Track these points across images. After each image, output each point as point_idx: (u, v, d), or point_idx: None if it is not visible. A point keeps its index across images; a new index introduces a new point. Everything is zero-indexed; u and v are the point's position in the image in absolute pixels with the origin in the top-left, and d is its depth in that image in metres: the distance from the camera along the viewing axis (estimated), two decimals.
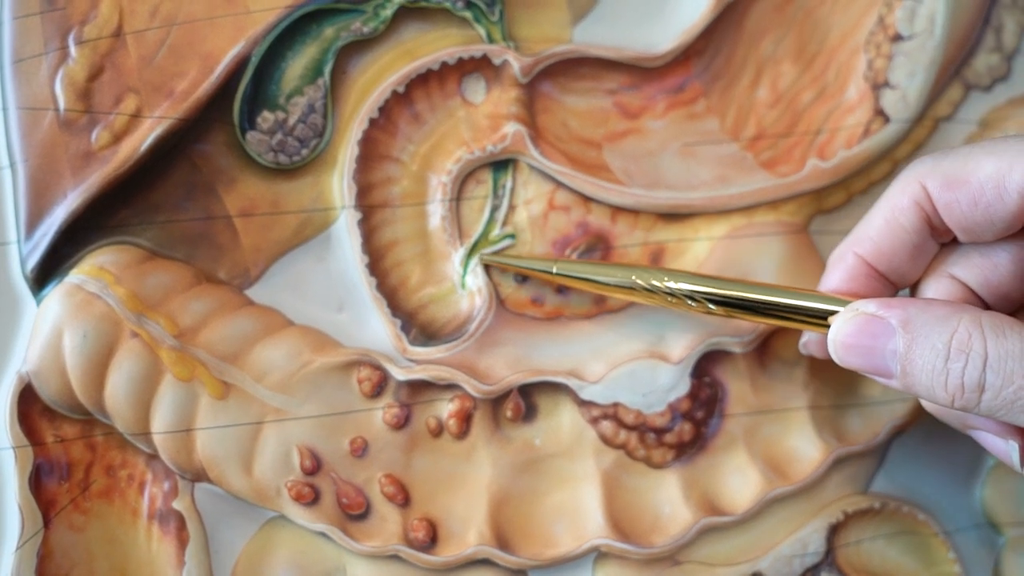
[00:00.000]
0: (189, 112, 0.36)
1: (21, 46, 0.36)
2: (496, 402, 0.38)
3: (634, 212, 0.39)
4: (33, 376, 0.36)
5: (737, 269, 0.39)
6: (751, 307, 0.35)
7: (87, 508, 0.36)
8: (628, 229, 0.39)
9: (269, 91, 0.37)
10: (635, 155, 0.40)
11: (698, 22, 0.39)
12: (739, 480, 0.39)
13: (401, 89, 0.38)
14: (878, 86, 0.40)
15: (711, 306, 0.35)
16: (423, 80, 0.38)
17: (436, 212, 0.38)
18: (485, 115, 0.38)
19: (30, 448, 0.36)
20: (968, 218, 0.33)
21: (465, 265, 0.38)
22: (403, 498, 0.37)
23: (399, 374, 0.37)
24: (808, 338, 0.38)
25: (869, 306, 0.32)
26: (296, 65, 0.37)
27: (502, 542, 0.37)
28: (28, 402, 0.36)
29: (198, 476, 0.36)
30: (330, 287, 0.38)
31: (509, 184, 0.39)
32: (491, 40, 0.38)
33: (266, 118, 0.37)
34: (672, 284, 0.36)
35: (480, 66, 0.38)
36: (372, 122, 0.38)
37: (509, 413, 0.38)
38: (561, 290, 0.39)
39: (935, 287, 0.35)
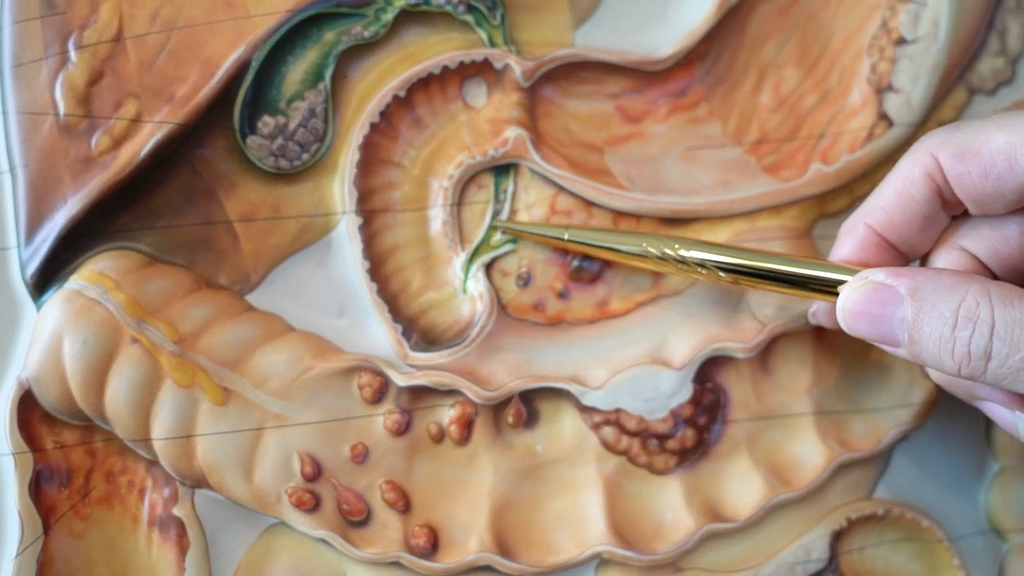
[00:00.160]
0: (189, 117, 0.36)
1: (21, 50, 0.36)
2: (497, 408, 0.38)
3: (636, 217, 0.39)
4: (33, 382, 0.35)
5: None
6: (761, 275, 0.35)
7: (87, 514, 0.36)
8: None
9: (270, 96, 0.37)
10: (637, 159, 0.39)
11: (700, 26, 0.39)
12: (742, 486, 0.39)
13: (402, 93, 0.38)
14: (882, 90, 0.39)
15: (721, 274, 0.36)
16: (424, 84, 0.38)
17: (437, 217, 0.38)
18: (486, 119, 0.38)
19: (30, 454, 0.36)
20: (979, 190, 0.33)
21: (466, 270, 0.38)
22: (404, 504, 0.37)
23: (400, 380, 0.37)
24: (817, 307, 0.38)
25: (878, 275, 0.32)
26: (297, 70, 0.37)
27: (503, 549, 0.37)
28: (28, 408, 0.36)
29: (198, 482, 0.36)
30: (331, 292, 0.38)
31: (511, 189, 0.39)
32: (493, 44, 0.38)
33: (267, 123, 0.37)
34: (684, 252, 0.36)
35: (482, 70, 0.38)
36: (373, 127, 0.38)
37: (510, 419, 0.38)
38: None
39: (945, 258, 0.35)
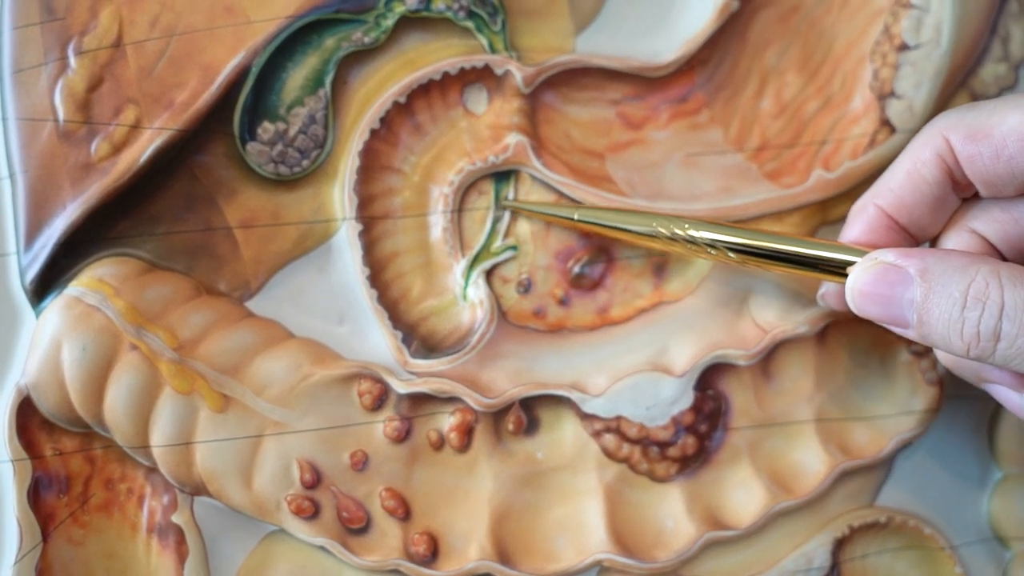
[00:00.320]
0: (189, 123, 0.36)
1: (21, 56, 0.36)
2: (498, 415, 0.38)
3: None
4: (32, 389, 0.35)
5: (741, 281, 0.39)
6: (770, 256, 0.35)
7: (86, 522, 0.36)
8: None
9: (269, 102, 0.37)
10: (638, 166, 0.39)
11: (702, 32, 0.39)
12: (743, 494, 0.39)
13: (403, 99, 0.38)
14: (884, 96, 0.39)
15: (731, 254, 0.35)
16: (425, 90, 0.38)
17: (437, 223, 0.38)
18: (487, 126, 0.38)
19: (29, 461, 0.35)
20: (990, 171, 0.33)
21: (467, 277, 0.38)
22: (404, 512, 0.37)
23: (400, 387, 0.37)
24: (826, 289, 0.38)
25: (888, 255, 0.32)
26: (297, 76, 0.37)
27: (503, 557, 0.37)
28: (27, 415, 0.36)
29: (197, 490, 0.36)
30: (331, 299, 0.38)
31: (511, 195, 0.38)
32: (493, 50, 0.38)
33: (266, 129, 0.37)
34: (693, 232, 0.36)
35: (482, 76, 0.38)
36: (373, 133, 0.38)
37: (511, 426, 0.38)
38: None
39: (955, 240, 0.35)
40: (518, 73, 0.38)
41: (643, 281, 0.39)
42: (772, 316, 0.39)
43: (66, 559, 0.36)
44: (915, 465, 0.41)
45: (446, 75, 0.38)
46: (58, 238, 0.36)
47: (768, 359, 0.39)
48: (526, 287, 0.38)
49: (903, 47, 0.39)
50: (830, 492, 0.39)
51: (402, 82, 0.38)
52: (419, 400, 0.37)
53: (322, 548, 0.37)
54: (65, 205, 0.36)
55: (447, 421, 0.38)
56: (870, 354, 0.40)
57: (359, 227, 0.37)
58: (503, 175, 0.38)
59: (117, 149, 0.36)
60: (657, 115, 0.40)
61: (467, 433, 0.38)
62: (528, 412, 0.38)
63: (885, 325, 0.33)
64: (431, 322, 0.38)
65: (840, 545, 0.39)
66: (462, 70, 0.38)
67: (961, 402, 0.40)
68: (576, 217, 0.37)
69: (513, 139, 0.38)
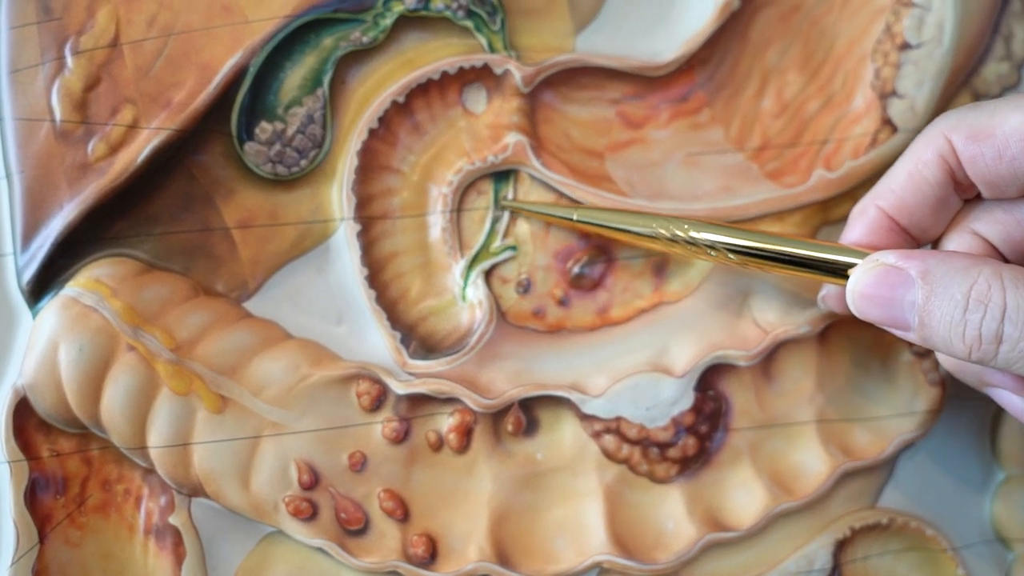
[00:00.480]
0: (186, 123, 0.36)
1: (17, 56, 0.36)
2: (497, 416, 0.38)
3: None
4: (28, 390, 0.35)
5: (742, 281, 0.39)
6: (771, 257, 0.35)
7: (83, 523, 0.36)
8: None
9: (267, 101, 0.37)
10: (638, 165, 0.39)
11: (702, 31, 0.39)
12: (744, 495, 0.38)
13: (401, 99, 0.37)
14: (886, 95, 0.39)
15: (731, 256, 0.35)
16: (423, 90, 0.38)
17: (436, 223, 0.38)
18: (486, 125, 0.38)
19: (25, 462, 0.35)
20: (992, 172, 0.33)
21: (466, 277, 0.38)
22: (402, 513, 0.37)
23: (398, 388, 0.37)
24: (827, 291, 0.37)
25: (889, 257, 0.32)
26: (295, 75, 0.37)
27: (503, 558, 0.37)
28: (23, 416, 0.36)
29: (195, 491, 0.36)
30: (329, 300, 0.38)
31: (510, 195, 0.38)
32: (492, 49, 0.38)
33: (264, 129, 0.37)
34: (694, 233, 0.36)
35: (481, 76, 0.38)
36: (372, 132, 0.37)
37: (510, 427, 0.38)
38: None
39: (957, 242, 0.35)
40: (517, 72, 0.38)
41: (643, 281, 0.39)
42: (773, 316, 0.39)
43: (63, 560, 0.36)
44: (917, 466, 0.40)
45: (445, 74, 0.38)
46: (55, 238, 0.36)
47: (769, 360, 0.39)
48: (525, 287, 0.38)
49: (905, 46, 0.39)
50: (831, 493, 0.39)
51: (401, 81, 0.37)
52: (418, 401, 0.37)
53: (320, 550, 0.36)
54: (62, 205, 0.36)
55: (446, 422, 0.37)
56: (872, 355, 0.40)
57: (357, 227, 0.37)
58: (502, 175, 0.38)
59: (114, 149, 0.36)
60: (657, 114, 0.40)
61: (466, 434, 0.38)
62: (527, 413, 0.38)
63: (886, 328, 0.33)
64: (430, 322, 0.38)
65: (841, 547, 0.39)
66: (461, 69, 0.38)
67: (963, 403, 0.40)
68: (575, 218, 0.37)
69: (512, 139, 0.38)
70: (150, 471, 0.36)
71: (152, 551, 0.36)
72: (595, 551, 0.37)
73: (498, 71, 0.38)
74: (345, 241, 0.38)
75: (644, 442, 0.38)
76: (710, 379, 0.39)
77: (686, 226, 0.36)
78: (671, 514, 0.38)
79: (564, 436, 0.38)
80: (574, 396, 0.38)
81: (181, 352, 0.36)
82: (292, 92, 0.37)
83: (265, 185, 0.37)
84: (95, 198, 0.36)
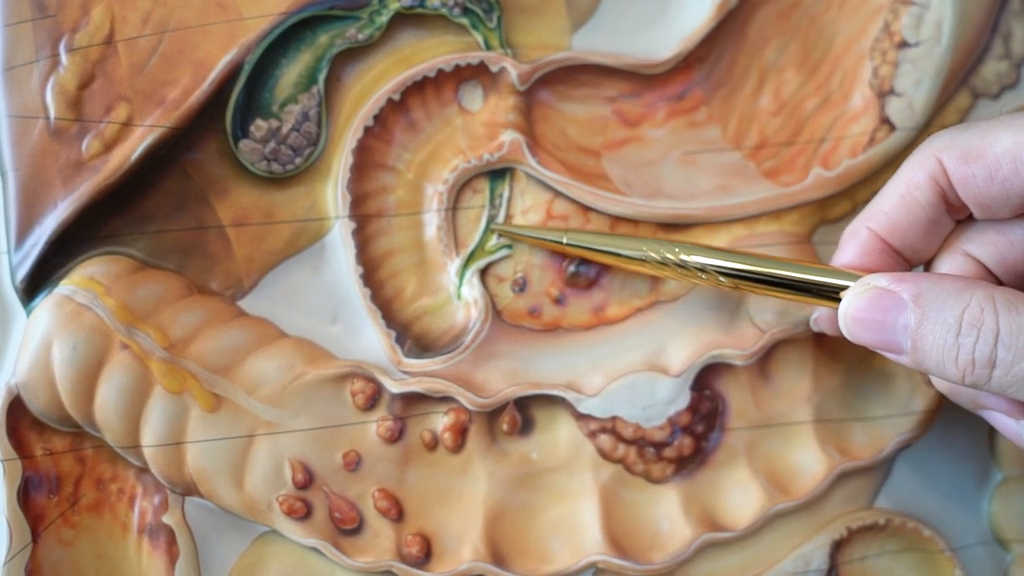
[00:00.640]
0: (181, 120, 0.36)
1: (12, 53, 0.36)
2: (492, 415, 0.38)
3: (633, 222, 0.38)
4: (22, 388, 0.35)
5: None
6: (762, 280, 0.35)
7: (76, 522, 0.36)
8: None
9: (262, 99, 0.37)
10: (635, 164, 0.39)
11: (699, 29, 0.39)
12: (740, 495, 0.38)
13: (397, 97, 0.37)
14: (884, 94, 0.39)
15: (721, 279, 0.35)
16: (419, 88, 0.38)
17: (432, 222, 0.38)
18: (482, 123, 0.38)
19: (19, 461, 0.35)
20: (984, 193, 0.32)
21: (461, 276, 0.38)
22: (397, 513, 0.37)
23: (393, 387, 0.37)
24: (819, 314, 0.37)
25: (881, 280, 0.32)
26: (290, 73, 0.37)
27: (497, 558, 0.37)
28: (17, 414, 0.35)
29: (189, 490, 0.36)
30: (324, 298, 0.38)
31: (506, 193, 0.38)
32: (488, 47, 0.38)
33: (259, 126, 0.37)
34: (684, 256, 0.36)
35: (477, 73, 0.38)
36: (367, 130, 0.37)
37: (505, 426, 0.38)
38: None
39: (949, 264, 0.34)
40: (513, 70, 0.37)
41: (639, 280, 0.39)
42: (770, 316, 0.38)
43: (56, 560, 0.35)
44: (914, 467, 0.40)
45: (441, 72, 0.37)
46: (49, 236, 0.35)
47: (766, 359, 0.39)
48: (521, 286, 0.38)
49: (903, 44, 0.39)
50: (828, 493, 0.39)
51: (396, 79, 0.37)
52: (412, 400, 0.37)
53: (314, 549, 0.36)
54: (56, 203, 0.36)
55: (441, 421, 0.37)
56: (869, 354, 0.39)
57: (352, 225, 0.37)
58: (498, 173, 0.38)
59: (108, 147, 0.36)
60: (654, 113, 0.39)
61: (461, 433, 0.37)
62: (523, 412, 0.38)
63: (879, 351, 0.32)
64: (425, 321, 0.38)
65: (838, 547, 0.39)
66: (457, 67, 0.38)
67: None
68: (565, 241, 0.37)
69: (508, 137, 0.38)
70: (144, 470, 0.36)
71: (146, 550, 0.36)
72: (590, 551, 0.37)
73: (494, 69, 0.38)
74: (340, 239, 0.37)
75: (640, 442, 0.38)
76: (706, 378, 0.38)
77: (676, 249, 0.36)
78: (667, 514, 0.38)
79: (559, 435, 0.38)
80: (570, 395, 0.38)
81: (175, 350, 0.36)
82: (287, 89, 0.37)
83: (260, 183, 0.37)
84: (89, 196, 0.35)
